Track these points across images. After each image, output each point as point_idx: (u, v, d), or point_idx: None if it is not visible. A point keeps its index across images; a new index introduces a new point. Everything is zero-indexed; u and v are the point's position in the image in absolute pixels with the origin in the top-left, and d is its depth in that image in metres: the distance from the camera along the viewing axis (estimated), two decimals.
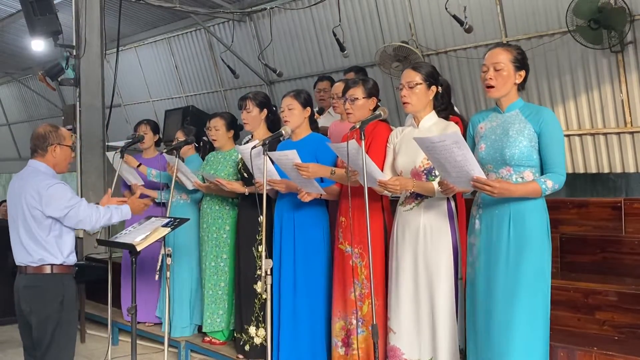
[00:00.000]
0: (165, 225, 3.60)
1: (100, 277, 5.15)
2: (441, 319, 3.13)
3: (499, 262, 2.86)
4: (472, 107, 6.73)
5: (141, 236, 3.51)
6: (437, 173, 3.09)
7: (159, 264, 3.79)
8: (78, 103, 6.55)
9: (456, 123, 3.27)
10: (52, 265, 3.18)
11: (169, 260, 3.74)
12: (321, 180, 3.64)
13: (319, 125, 4.31)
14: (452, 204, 3.25)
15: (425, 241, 3.18)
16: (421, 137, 2.81)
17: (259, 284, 3.88)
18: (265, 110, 4.27)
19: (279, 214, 3.96)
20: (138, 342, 4.05)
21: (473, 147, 3.01)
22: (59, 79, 6.63)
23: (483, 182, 2.71)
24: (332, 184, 3.67)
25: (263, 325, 4.10)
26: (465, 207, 3.32)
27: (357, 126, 2.97)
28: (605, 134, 5.90)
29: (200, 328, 4.78)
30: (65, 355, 3.26)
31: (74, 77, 6.50)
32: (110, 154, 5.01)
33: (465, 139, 3.05)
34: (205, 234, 4.59)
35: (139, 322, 4.81)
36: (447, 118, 3.30)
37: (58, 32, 6.13)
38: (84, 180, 6.44)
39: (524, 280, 2.80)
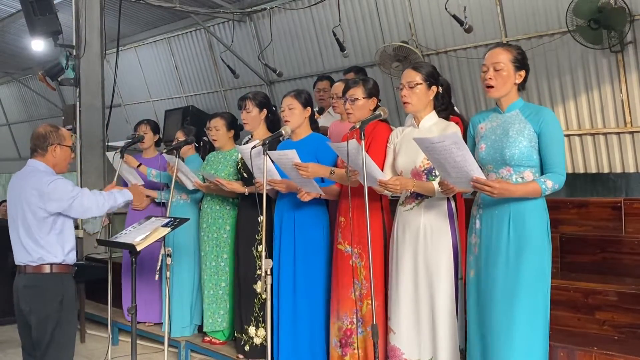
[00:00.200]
0: (165, 225, 3.59)
1: (100, 277, 5.15)
2: (441, 319, 3.13)
3: (499, 262, 2.86)
4: (472, 107, 6.73)
5: (141, 236, 3.51)
6: (437, 173, 3.09)
7: (159, 264, 3.79)
8: (78, 103, 6.55)
9: (456, 123, 3.27)
10: (51, 264, 3.18)
11: (169, 260, 3.74)
12: (321, 180, 3.64)
13: (319, 125, 4.31)
14: (452, 204, 3.25)
15: (426, 241, 3.18)
16: (420, 138, 2.81)
17: (259, 284, 3.89)
18: (264, 110, 4.27)
19: (279, 214, 3.96)
20: (138, 342, 4.05)
21: (474, 147, 3.02)
22: (59, 79, 6.63)
23: (482, 182, 2.71)
24: (332, 183, 3.67)
25: (263, 325, 4.10)
26: (465, 207, 3.33)
27: (357, 126, 2.98)
28: (605, 134, 5.90)
29: (200, 328, 4.78)
30: (65, 355, 3.26)
31: (74, 77, 6.50)
32: (110, 154, 5.00)
33: (466, 139, 3.07)
34: (206, 234, 4.59)
35: (139, 322, 4.81)
36: (447, 118, 3.30)
37: (58, 32, 6.13)
38: (84, 180, 6.44)
39: (524, 280, 2.80)
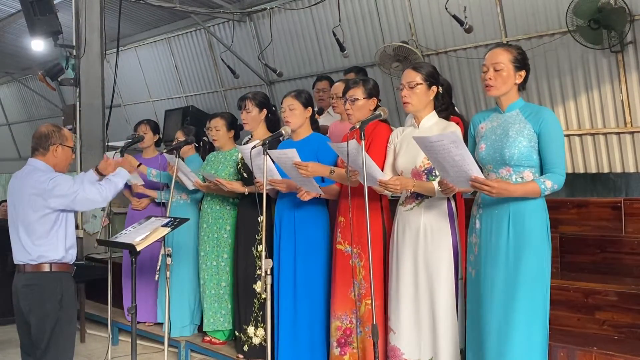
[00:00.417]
0: (165, 225, 3.60)
1: (100, 277, 5.15)
2: (441, 319, 3.13)
3: (498, 262, 2.86)
4: (472, 107, 6.73)
5: (141, 236, 3.51)
6: (437, 173, 3.09)
7: (159, 263, 3.79)
8: (78, 103, 6.55)
9: (457, 123, 3.27)
10: (51, 263, 3.18)
11: (169, 260, 3.74)
12: (321, 179, 3.64)
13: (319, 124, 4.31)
14: (453, 204, 3.25)
15: (426, 241, 3.18)
16: (420, 137, 2.81)
17: (259, 283, 3.88)
18: (264, 111, 4.27)
19: (279, 214, 3.96)
20: (138, 342, 4.06)
21: (475, 147, 3.02)
22: (59, 79, 6.63)
23: (481, 181, 2.71)
24: (332, 183, 3.67)
25: (262, 325, 4.10)
26: (465, 207, 3.33)
27: (357, 126, 2.98)
28: (605, 134, 5.90)
29: (200, 328, 4.78)
30: (65, 354, 3.25)
31: (74, 77, 6.51)
32: (110, 154, 5.00)
33: (466, 139, 3.07)
34: (206, 234, 4.58)
35: (139, 322, 4.81)
36: (447, 118, 3.30)
37: (58, 32, 6.13)
38: None
39: (523, 280, 2.80)
